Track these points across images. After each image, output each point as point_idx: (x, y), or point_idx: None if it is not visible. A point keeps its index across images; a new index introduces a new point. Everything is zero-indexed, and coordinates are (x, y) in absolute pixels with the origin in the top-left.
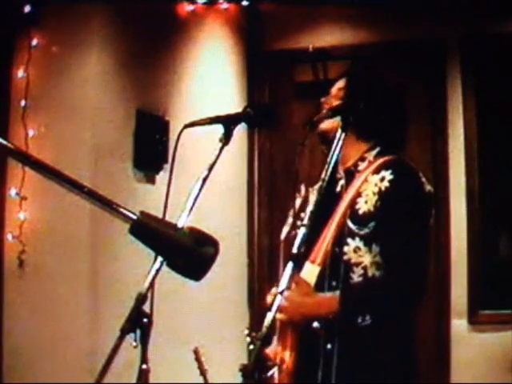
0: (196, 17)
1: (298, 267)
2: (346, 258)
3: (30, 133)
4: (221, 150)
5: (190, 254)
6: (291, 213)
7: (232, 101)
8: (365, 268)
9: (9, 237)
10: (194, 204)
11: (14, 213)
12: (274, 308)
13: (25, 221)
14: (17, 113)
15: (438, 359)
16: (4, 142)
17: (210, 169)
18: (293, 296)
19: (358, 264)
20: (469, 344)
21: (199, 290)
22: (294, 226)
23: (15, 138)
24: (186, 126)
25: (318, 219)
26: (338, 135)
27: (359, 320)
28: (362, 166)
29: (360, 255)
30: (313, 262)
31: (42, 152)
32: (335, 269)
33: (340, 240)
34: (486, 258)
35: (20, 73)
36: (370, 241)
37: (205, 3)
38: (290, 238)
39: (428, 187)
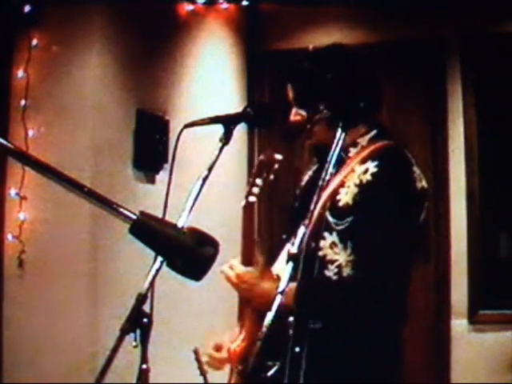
0: (196, 17)
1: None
2: (321, 253)
3: (30, 133)
4: (221, 149)
5: (189, 254)
6: (250, 180)
7: (232, 101)
8: (339, 266)
9: (9, 237)
10: (194, 204)
11: (14, 213)
12: (274, 308)
13: (25, 221)
14: (17, 113)
15: (438, 359)
16: (4, 142)
17: (210, 169)
18: (245, 277)
19: (332, 262)
20: (469, 344)
21: (199, 290)
22: (250, 193)
23: (15, 137)
24: (186, 126)
25: (305, 205)
26: (337, 135)
27: (310, 322)
28: (352, 152)
29: (336, 252)
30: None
31: (41, 152)
32: (309, 264)
33: (317, 233)
34: (486, 258)
35: (20, 73)
36: (346, 237)
37: (205, 3)
38: (248, 206)
39: (420, 184)
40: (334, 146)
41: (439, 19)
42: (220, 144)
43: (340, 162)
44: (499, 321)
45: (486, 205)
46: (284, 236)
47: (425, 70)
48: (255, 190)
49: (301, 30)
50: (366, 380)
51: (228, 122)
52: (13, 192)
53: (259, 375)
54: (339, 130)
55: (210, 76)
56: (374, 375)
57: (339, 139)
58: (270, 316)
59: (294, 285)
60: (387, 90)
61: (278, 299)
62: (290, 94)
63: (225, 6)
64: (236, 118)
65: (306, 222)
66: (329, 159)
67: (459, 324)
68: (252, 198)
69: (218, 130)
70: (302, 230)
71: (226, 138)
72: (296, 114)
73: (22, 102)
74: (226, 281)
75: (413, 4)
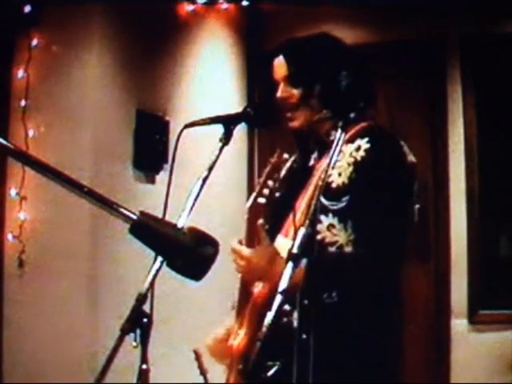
0: (196, 17)
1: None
2: (319, 237)
3: (30, 133)
4: (221, 149)
5: (189, 254)
6: (260, 181)
7: (232, 101)
8: (340, 247)
9: (9, 237)
10: (194, 204)
11: (14, 213)
12: (275, 308)
13: (25, 221)
14: (17, 113)
15: (438, 359)
16: (4, 142)
17: (210, 169)
18: (253, 257)
19: (332, 243)
20: (469, 344)
21: (199, 290)
22: (260, 194)
23: (15, 137)
24: (186, 126)
25: (290, 193)
26: (337, 135)
27: (325, 296)
28: (334, 134)
29: (334, 234)
30: (285, 235)
31: (41, 152)
32: (307, 248)
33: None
34: (486, 258)
35: (20, 73)
36: (345, 217)
37: (205, 3)
38: (255, 207)
39: (410, 157)
40: (333, 146)
41: (439, 19)
42: (220, 144)
43: (323, 146)
44: (499, 321)
45: (485, 205)
46: (266, 227)
47: (425, 70)
48: (265, 191)
49: (301, 30)
50: (369, 361)
51: (228, 122)
52: (13, 192)
53: (259, 375)
54: (339, 130)
55: (210, 76)
56: (376, 358)
57: (339, 139)
58: (270, 316)
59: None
60: (387, 90)
61: (279, 299)
62: (281, 71)
63: (225, 6)
64: (236, 118)
65: (306, 223)
66: (329, 159)
67: (459, 324)
68: (262, 200)
69: (218, 129)
70: (302, 231)
71: (226, 138)
72: (284, 91)
73: (22, 102)
74: (235, 258)
75: (413, 4)
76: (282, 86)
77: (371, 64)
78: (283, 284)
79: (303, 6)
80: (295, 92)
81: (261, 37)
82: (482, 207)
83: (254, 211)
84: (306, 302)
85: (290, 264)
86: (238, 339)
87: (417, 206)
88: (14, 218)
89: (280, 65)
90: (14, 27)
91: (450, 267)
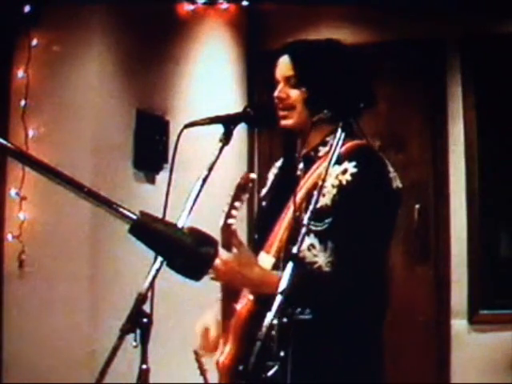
0: (196, 17)
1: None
2: (300, 256)
3: (30, 133)
4: (221, 149)
5: (189, 253)
6: (228, 201)
7: (232, 101)
8: (319, 268)
9: (9, 237)
10: (194, 204)
11: (14, 213)
12: (274, 308)
13: (25, 221)
14: (17, 113)
15: (438, 359)
16: (4, 142)
17: (210, 169)
18: (231, 261)
19: (311, 264)
20: (469, 344)
21: (199, 290)
22: (229, 216)
23: (15, 137)
24: (186, 126)
25: (275, 204)
26: (337, 135)
27: (297, 310)
28: (322, 151)
29: (315, 254)
30: (267, 252)
31: (41, 152)
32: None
33: (294, 236)
34: (486, 258)
35: (20, 73)
36: (326, 238)
37: (205, 3)
38: (227, 227)
39: (396, 183)
40: (334, 146)
41: (439, 19)
42: (220, 144)
43: (309, 161)
44: (499, 321)
45: (485, 205)
46: (256, 236)
47: (425, 70)
48: (234, 212)
49: (301, 30)
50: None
51: (228, 122)
52: (13, 192)
53: (259, 375)
54: (339, 130)
55: (210, 76)
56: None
57: (339, 139)
58: (269, 316)
59: (272, 272)
60: (387, 90)
61: (279, 299)
62: (284, 70)
63: (225, 6)
64: (236, 118)
65: (306, 223)
66: (328, 160)
67: (459, 324)
68: (231, 221)
69: (218, 129)
70: (302, 231)
71: (225, 138)
72: (283, 91)
73: (22, 102)
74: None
75: (413, 4)
76: (281, 86)
77: (372, 64)
78: (283, 284)
79: (303, 6)
80: (294, 94)
81: (261, 37)
82: (481, 207)
83: (226, 232)
84: (284, 319)
85: (291, 264)
86: (224, 355)
87: (417, 206)
88: (13, 217)
89: (284, 64)
90: (14, 27)
91: (450, 267)
